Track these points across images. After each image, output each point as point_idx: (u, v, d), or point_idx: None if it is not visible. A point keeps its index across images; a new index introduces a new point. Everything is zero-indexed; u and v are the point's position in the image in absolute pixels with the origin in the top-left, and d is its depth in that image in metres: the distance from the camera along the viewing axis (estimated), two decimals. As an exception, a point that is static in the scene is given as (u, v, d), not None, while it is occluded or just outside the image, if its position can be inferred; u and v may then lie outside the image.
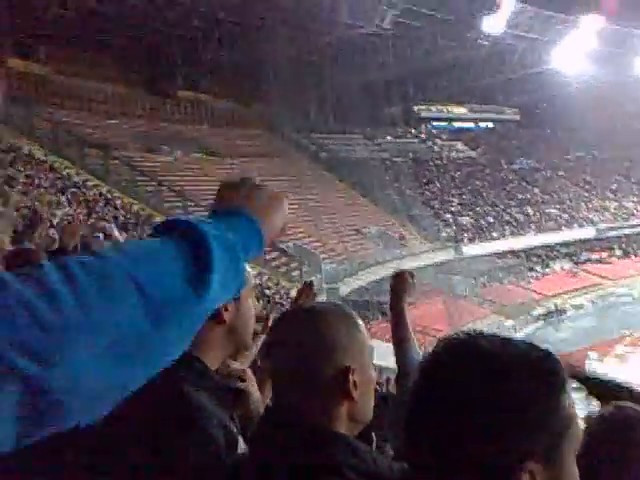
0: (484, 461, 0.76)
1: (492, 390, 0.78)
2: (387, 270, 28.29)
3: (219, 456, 1.16)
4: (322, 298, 23.70)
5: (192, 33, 33.41)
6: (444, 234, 35.98)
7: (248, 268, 1.21)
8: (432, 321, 26.65)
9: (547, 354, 0.83)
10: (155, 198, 24.52)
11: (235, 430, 1.27)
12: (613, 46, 43.09)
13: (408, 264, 29.32)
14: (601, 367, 23.06)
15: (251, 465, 1.12)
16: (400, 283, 2.35)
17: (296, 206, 31.33)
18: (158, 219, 20.79)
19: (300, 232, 28.68)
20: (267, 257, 24.22)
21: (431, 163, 44.15)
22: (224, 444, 1.19)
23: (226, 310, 1.30)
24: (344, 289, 25.42)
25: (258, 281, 20.68)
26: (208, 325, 1.25)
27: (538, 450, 0.77)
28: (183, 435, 1.15)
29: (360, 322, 1.20)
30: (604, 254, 39.99)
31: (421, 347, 2.29)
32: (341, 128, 41.93)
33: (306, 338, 1.14)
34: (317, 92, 41.75)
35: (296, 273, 25.16)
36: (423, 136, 47.77)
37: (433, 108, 49.00)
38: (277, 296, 21.75)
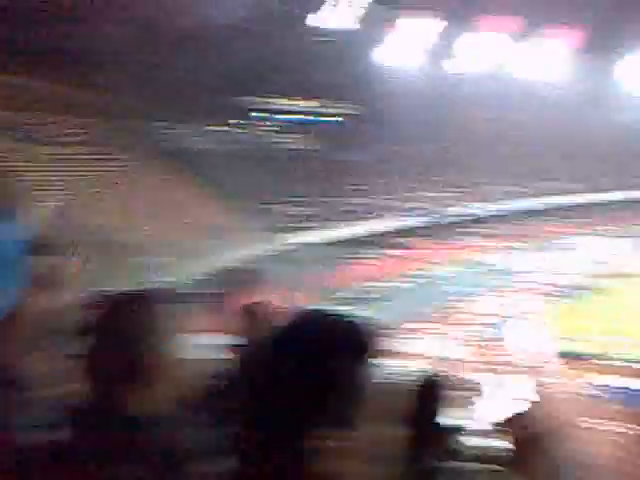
0: (290, 429, 0.81)
1: (310, 361, 0.83)
2: (215, 262, 28.55)
3: None
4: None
5: (22, 10, 31.26)
6: (274, 225, 36.88)
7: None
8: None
9: (358, 328, 0.89)
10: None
11: None
12: (445, 42, 45.93)
13: (235, 255, 29.91)
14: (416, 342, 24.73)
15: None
16: (245, 280, 2.56)
17: (128, 197, 30.68)
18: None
19: (128, 224, 28.25)
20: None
21: (266, 154, 44.61)
22: None
23: None
24: (171, 282, 25.23)
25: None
26: None
27: (333, 416, 0.81)
28: None
29: (163, 308, 1.26)
30: (425, 240, 43.03)
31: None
32: (179, 117, 41.30)
33: (110, 326, 1.21)
34: (156, 80, 40.73)
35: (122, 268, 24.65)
36: (261, 128, 48.29)
37: (272, 100, 49.54)
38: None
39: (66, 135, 33.11)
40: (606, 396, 16.55)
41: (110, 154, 33.71)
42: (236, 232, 32.75)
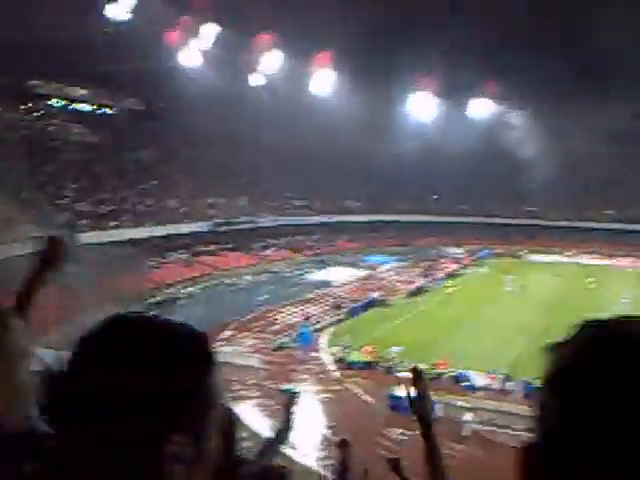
0: (139, 431, 0.78)
1: (155, 370, 0.79)
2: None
3: None
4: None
5: None
6: (59, 220, 33.53)
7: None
8: (38, 313, 24.57)
9: (198, 336, 0.85)
10: None
11: None
12: (231, 54, 46.48)
13: (16, 251, 26.65)
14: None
15: None
16: (54, 252, 1.85)
17: None
18: None
19: None
20: None
21: (46, 144, 40.95)
22: None
23: None
24: None
25: None
26: None
27: (186, 424, 0.80)
28: None
29: None
30: (216, 247, 42.68)
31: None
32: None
33: None
34: None
35: None
36: (37, 114, 44.27)
37: (51, 85, 45.66)
38: None
39: None
40: (392, 405, 17.43)
41: None
42: (11, 224, 29.00)
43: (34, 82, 44.50)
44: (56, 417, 0.79)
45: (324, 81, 60.52)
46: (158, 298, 32.02)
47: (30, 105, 44.41)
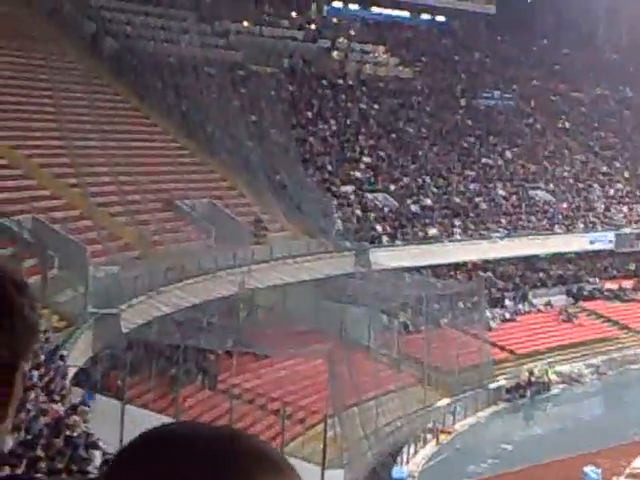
0: None
1: None
2: (220, 285, 27.95)
3: None
4: (89, 332, 22.61)
5: None
6: (338, 224, 35.59)
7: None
8: (300, 392, 26.47)
9: None
10: None
11: None
12: None
13: (264, 276, 28.90)
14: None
15: None
16: None
17: (42, 134, 30.47)
18: None
19: (51, 197, 27.69)
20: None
21: (324, 81, 44.30)
22: None
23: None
24: (130, 319, 24.23)
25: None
26: None
27: None
28: None
29: None
30: (626, 283, 41.49)
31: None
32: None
33: None
34: None
35: (36, 278, 23.56)
36: (313, 27, 48.22)
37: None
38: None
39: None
40: None
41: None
42: (259, 230, 31.99)
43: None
44: None
45: None
46: (509, 380, 32.28)
47: (298, 14, 48.34)
